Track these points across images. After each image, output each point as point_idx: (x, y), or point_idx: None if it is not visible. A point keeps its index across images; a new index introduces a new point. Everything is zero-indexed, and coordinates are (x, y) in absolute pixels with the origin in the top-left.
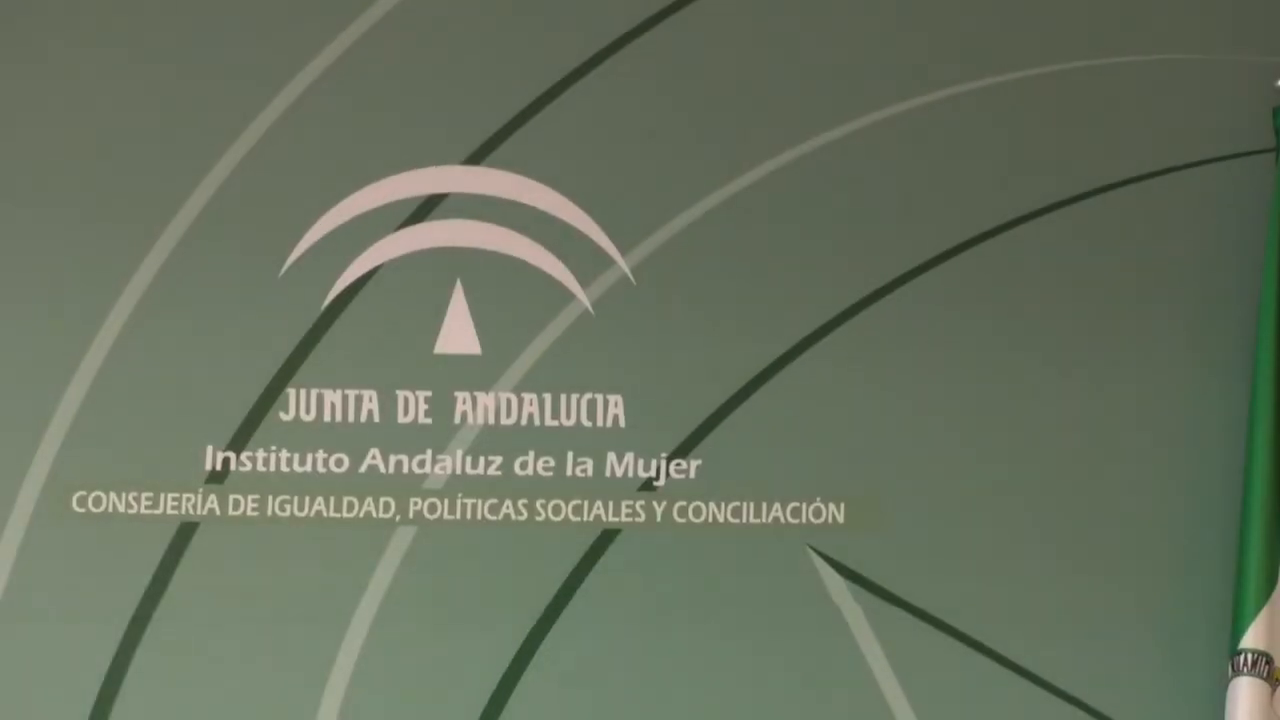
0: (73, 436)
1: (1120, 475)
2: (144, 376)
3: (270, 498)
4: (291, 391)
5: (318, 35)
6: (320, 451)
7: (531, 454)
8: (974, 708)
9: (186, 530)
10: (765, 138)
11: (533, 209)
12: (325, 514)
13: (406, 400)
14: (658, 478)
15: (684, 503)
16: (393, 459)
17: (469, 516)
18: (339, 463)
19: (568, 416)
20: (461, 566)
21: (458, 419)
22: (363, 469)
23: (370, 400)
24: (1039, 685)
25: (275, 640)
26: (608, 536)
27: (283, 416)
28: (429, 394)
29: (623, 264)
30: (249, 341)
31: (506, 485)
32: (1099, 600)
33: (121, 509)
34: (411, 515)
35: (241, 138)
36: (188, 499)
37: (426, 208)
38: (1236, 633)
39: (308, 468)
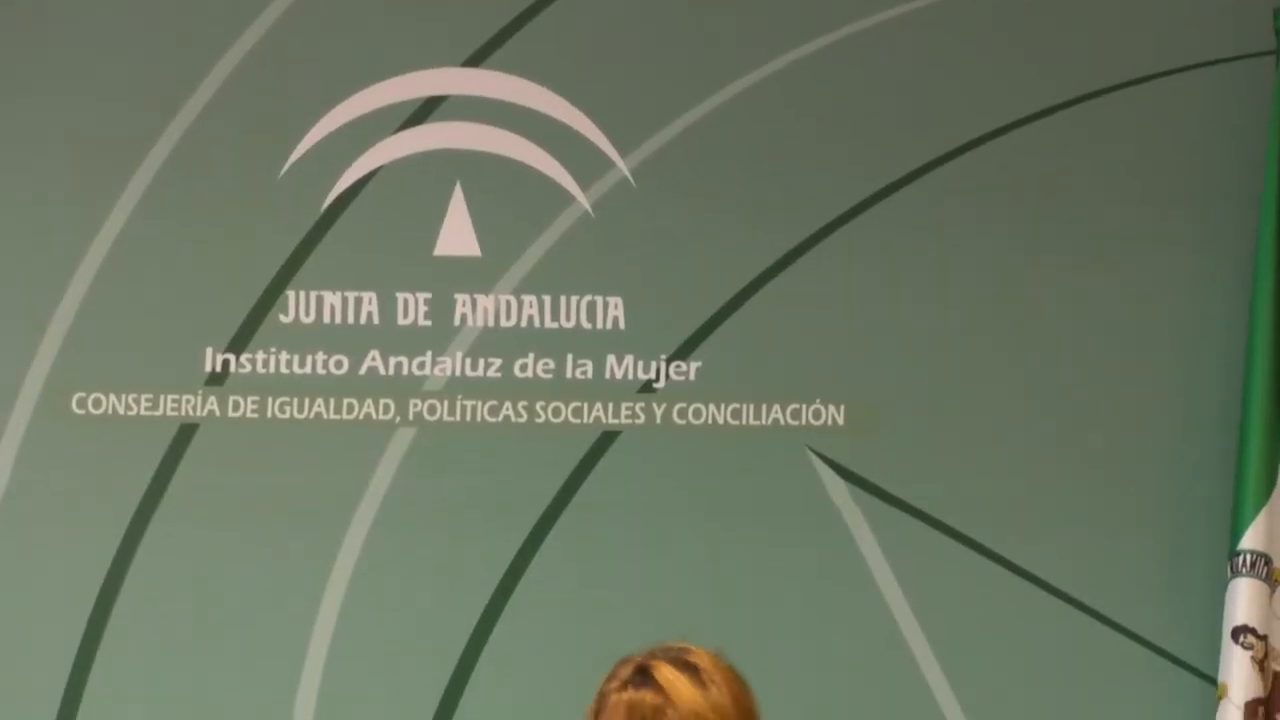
0: (72, 338)
1: (1120, 377)
2: (143, 278)
3: (270, 399)
4: (291, 293)
5: None
6: (320, 353)
7: (531, 356)
8: (972, 608)
9: (186, 432)
10: (764, 41)
11: (532, 111)
12: (325, 416)
13: (406, 302)
14: (657, 379)
15: (684, 404)
16: (392, 361)
17: (469, 418)
18: (338, 364)
19: (567, 318)
20: (461, 468)
21: (457, 321)
22: (362, 371)
23: (370, 302)
24: (1038, 585)
25: (275, 541)
26: (607, 438)
27: (282, 318)
28: (428, 296)
29: (622, 166)
30: (248, 243)
31: (506, 387)
32: (1099, 502)
33: (121, 410)
34: (411, 417)
35: (240, 40)
36: (187, 400)
37: (426, 110)
38: (1235, 534)
39: (307, 369)
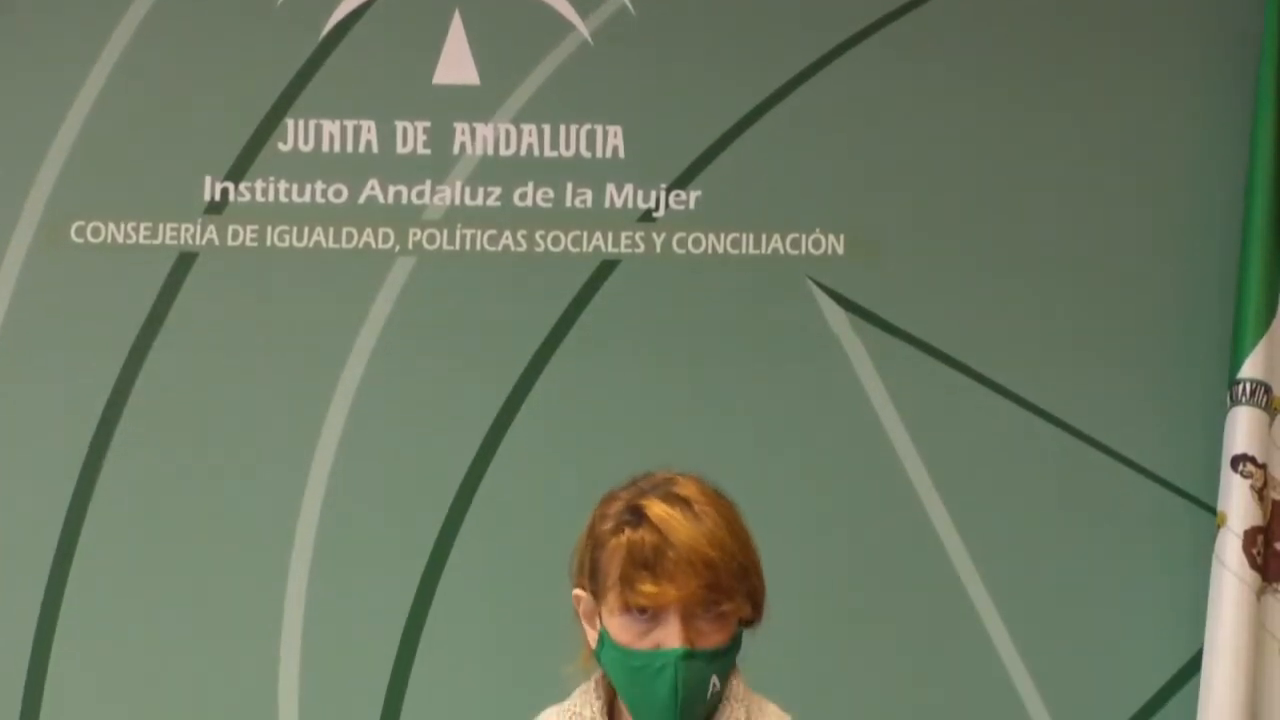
0: (71, 166)
1: (1121, 205)
2: (142, 106)
3: (269, 228)
4: (290, 122)
5: None
6: (319, 182)
7: (530, 185)
8: (971, 436)
9: (185, 260)
10: None
11: None
12: (324, 244)
13: (405, 130)
14: (657, 208)
15: (683, 233)
16: (391, 189)
17: (468, 247)
18: (337, 193)
19: (567, 147)
20: (460, 297)
21: (456, 149)
22: (361, 199)
23: (369, 131)
24: (1037, 414)
25: (275, 370)
26: (607, 267)
27: (281, 147)
28: (427, 124)
29: None
30: (247, 71)
31: (505, 216)
32: (1098, 330)
33: (120, 239)
34: (410, 246)
35: None
36: (186, 229)
37: None
38: (1235, 362)
39: (306, 198)
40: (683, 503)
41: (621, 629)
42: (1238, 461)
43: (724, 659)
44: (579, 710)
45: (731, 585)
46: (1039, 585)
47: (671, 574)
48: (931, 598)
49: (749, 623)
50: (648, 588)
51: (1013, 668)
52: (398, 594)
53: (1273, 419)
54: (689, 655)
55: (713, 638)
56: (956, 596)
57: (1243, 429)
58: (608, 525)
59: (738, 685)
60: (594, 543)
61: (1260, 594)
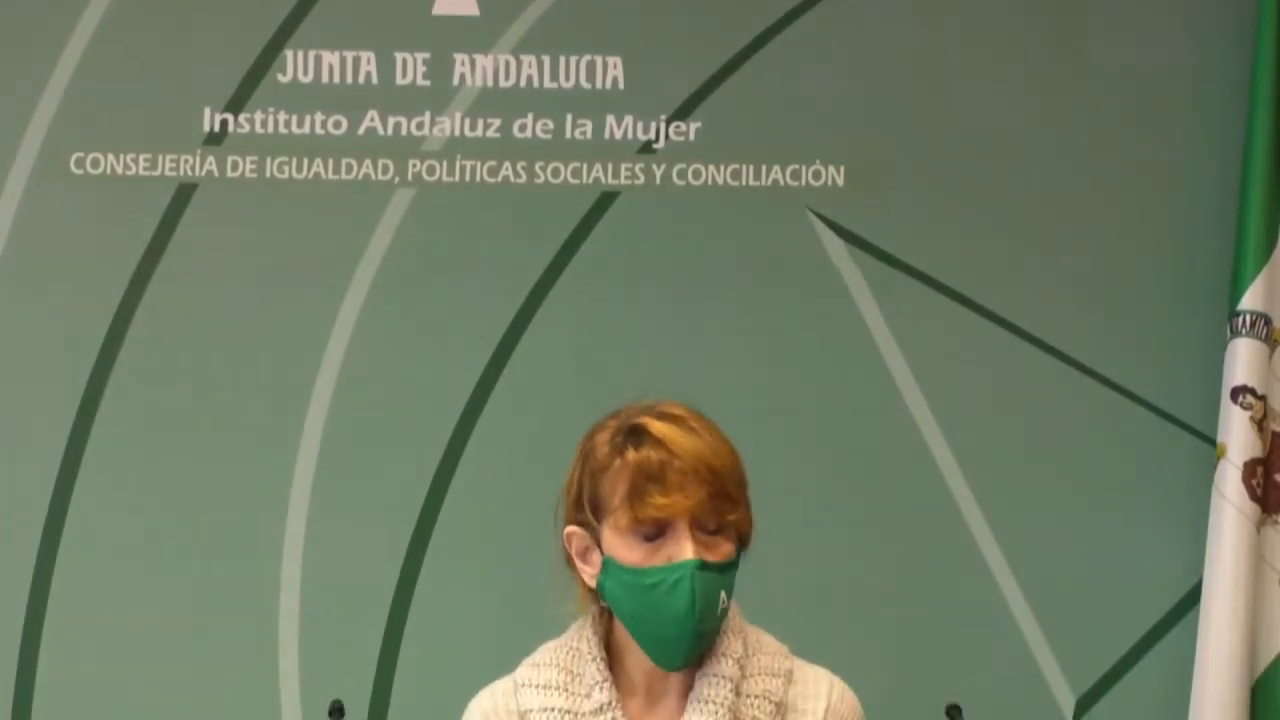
0: (70, 98)
1: (1121, 137)
2: (141, 38)
3: (268, 159)
4: (289, 53)
5: None
6: (318, 113)
7: (530, 116)
8: (972, 369)
9: (185, 192)
10: None
11: None
12: (324, 176)
13: (404, 62)
14: (657, 140)
15: (683, 165)
16: (391, 121)
17: (468, 179)
18: (337, 125)
19: (567, 78)
20: (460, 229)
21: (456, 80)
22: (361, 131)
23: (368, 62)
24: (1037, 346)
25: (274, 301)
26: (606, 199)
27: (280, 78)
28: (427, 55)
29: None
30: (246, 2)
31: (505, 147)
32: (1098, 262)
33: (120, 170)
34: (410, 177)
35: None
36: (186, 160)
37: None
38: (1235, 294)
39: (306, 129)
40: (677, 420)
41: (630, 549)
42: (1237, 393)
43: (731, 574)
44: (575, 645)
45: (735, 495)
46: (1038, 517)
47: (680, 485)
48: (930, 529)
49: (743, 546)
50: (659, 499)
51: (1012, 599)
52: (397, 528)
53: (1273, 351)
54: (703, 566)
55: (720, 550)
56: (955, 528)
57: (1243, 361)
58: (605, 450)
59: (735, 617)
60: (591, 471)
61: (1260, 525)
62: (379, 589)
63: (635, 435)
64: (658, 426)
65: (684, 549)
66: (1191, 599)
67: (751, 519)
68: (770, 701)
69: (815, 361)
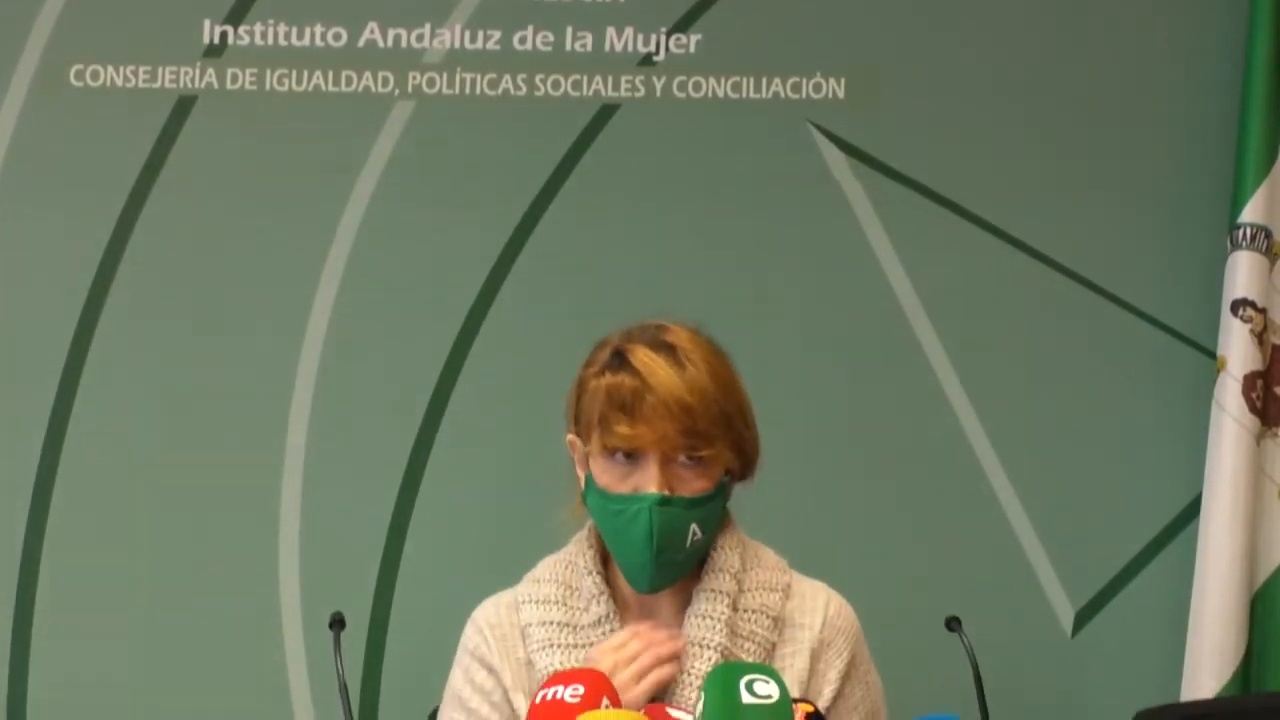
0: (69, 10)
1: (1122, 48)
2: None
3: (268, 71)
4: None
5: None
6: (318, 25)
7: (530, 28)
8: (972, 281)
9: (185, 104)
10: None
11: None
12: (323, 88)
13: None
14: (657, 52)
15: (683, 78)
16: (391, 32)
17: (467, 91)
18: (336, 36)
19: None
20: (460, 142)
21: None
22: (360, 43)
23: None
24: (1037, 258)
25: (274, 215)
26: (606, 111)
27: None
28: None
29: None
30: None
31: (505, 60)
32: (1099, 175)
33: (119, 83)
34: (410, 89)
35: None
36: (185, 72)
37: None
38: (1236, 206)
39: (305, 41)
40: (668, 349)
41: (604, 471)
42: (1237, 306)
43: (705, 507)
44: (572, 559)
45: (710, 431)
46: (1038, 430)
47: (648, 417)
48: (931, 443)
49: (741, 475)
50: (623, 429)
51: (1012, 513)
52: (397, 439)
53: (1273, 263)
54: (664, 501)
55: (693, 485)
56: (956, 442)
57: (1243, 273)
58: (592, 369)
59: (732, 533)
60: (580, 387)
61: (1259, 438)
62: (379, 500)
63: (618, 359)
64: (641, 355)
65: (649, 481)
66: (1191, 512)
67: (746, 452)
68: (767, 616)
69: (815, 275)
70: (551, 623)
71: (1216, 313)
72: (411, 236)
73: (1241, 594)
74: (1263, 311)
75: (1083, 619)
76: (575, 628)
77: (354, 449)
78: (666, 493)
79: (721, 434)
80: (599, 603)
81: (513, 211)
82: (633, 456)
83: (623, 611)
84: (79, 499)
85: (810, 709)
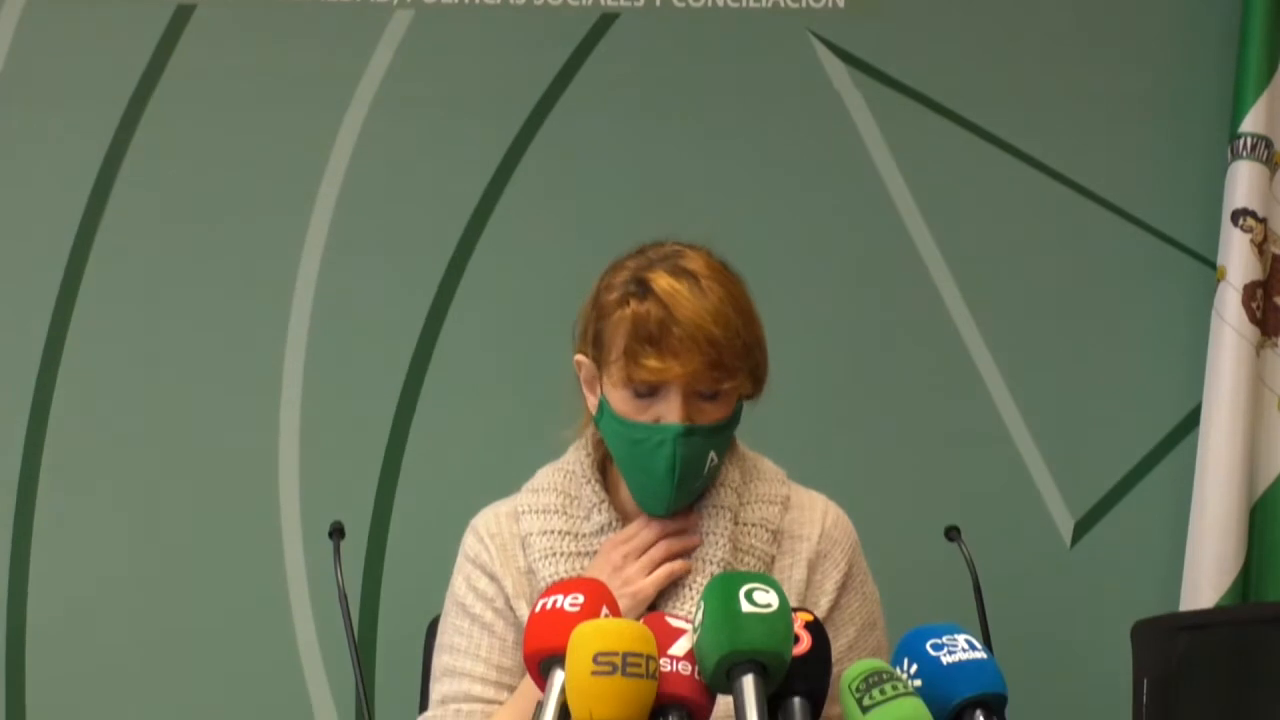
0: None
1: None
2: None
3: None
4: None
5: None
6: None
7: None
8: (973, 192)
9: (183, 12)
10: None
11: None
12: None
13: None
14: None
15: None
16: None
17: (466, 0)
18: None
19: None
20: (459, 51)
21: None
22: None
23: None
24: (1037, 168)
25: (273, 124)
26: (606, 20)
27: None
28: None
29: None
30: None
31: None
32: (1099, 84)
33: None
34: None
35: None
36: None
37: None
38: (1236, 116)
39: None
40: (690, 276)
41: (623, 401)
42: (1238, 216)
43: (722, 434)
44: (570, 468)
45: (735, 364)
46: (1038, 340)
47: (676, 350)
48: (932, 354)
49: (749, 396)
50: (652, 363)
51: (1011, 423)
52: (397, 347)
53: (1273, 173)
54: (688, 432)
55: (713, 414)
56: (957, 352)
57: (1243, 183)
58: (613, 295)
59: (734, 447)
60: (599, 312)
61: (1259, 348)
62: (379, 409)
63: (640, 287)
64: (664, 282)
65: (672, 412)
66: (1190, 422)
67: (760, 377)
68: (767, 530)
69: (815, 184)
70: (553, 531)
71: (1217, 223)
72: (411, 145)
73: (1240, 504)
74: (1263, 221)
75: (1082, 529)
76: (577, 536)
77: (353, 360)
78: (689, 424)
79: (743, 365)
80: (600, 511)
81: (512, 120)
82: (653, 390)
83: (624, 520)
84: (77, 405)
85: (809, 618)
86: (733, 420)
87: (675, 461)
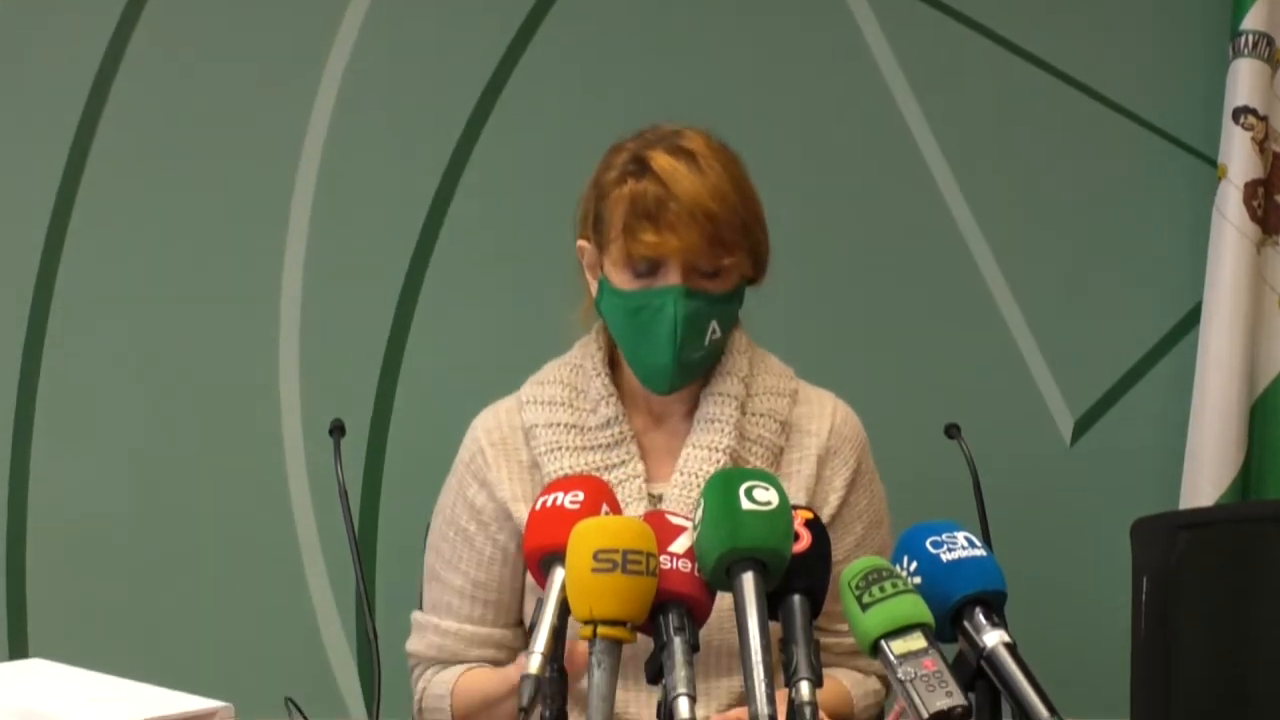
0: None
1: None
2: None
3: None
4: None
5: None
6: None
7: None
8: (973, 88)
9: None
10: None
11: None
12: None
13: None
14: None
15: None
16: None
17: None
18: None
19: None
20: None
21: None
22: None
23: None
24: (1040, 67)
25: (270, 18)
26: None
27: None
28: None
29: None
30: None
31: None
32: None
33: None
34: None
35: None
36: None
37: None
38: (1238, 13)
39: None
40: (688, 155)
41: (624, 281)
42: (1239, 114)
43: (724, 306)
44: (579, 362)
45: (733, 240)
46: (1039, 238)
47: (673, 225)
48: (933, 251)
49: (752, 280)
50: (649, 237)
51: (1012, 321)
52: (397, 246)
53: (1275, 71)
54: (689, 293)
55: (713, 288)
56: (957, 251)
57: (1244, 81)
58: (612, 175)
59: (740, 338)
60: (598, 193)
61: (1260, 246)
62: (379, 307)
63: (639, 166)
64: (662, 161)
65: (672, 278)
66: (1191, 320)
67: (761, 257)
68: (775, 420)
69: (816, 82)
70: (558, 424)
71: (1218, 120)
72: (416, 32)
73: (1241, 402)
74: (1264, 119)
75: (1082, 427)
76: (583, 429)
77: (354, 255)
78: (690, 285)
79: (742, 241)
80: (607, 404)
81: (513, 14)
82: (653, 267)
83: (631, 414)
84: (78, 301)
85: (809, 515)
86: (735, 295)
87: (676, 321)
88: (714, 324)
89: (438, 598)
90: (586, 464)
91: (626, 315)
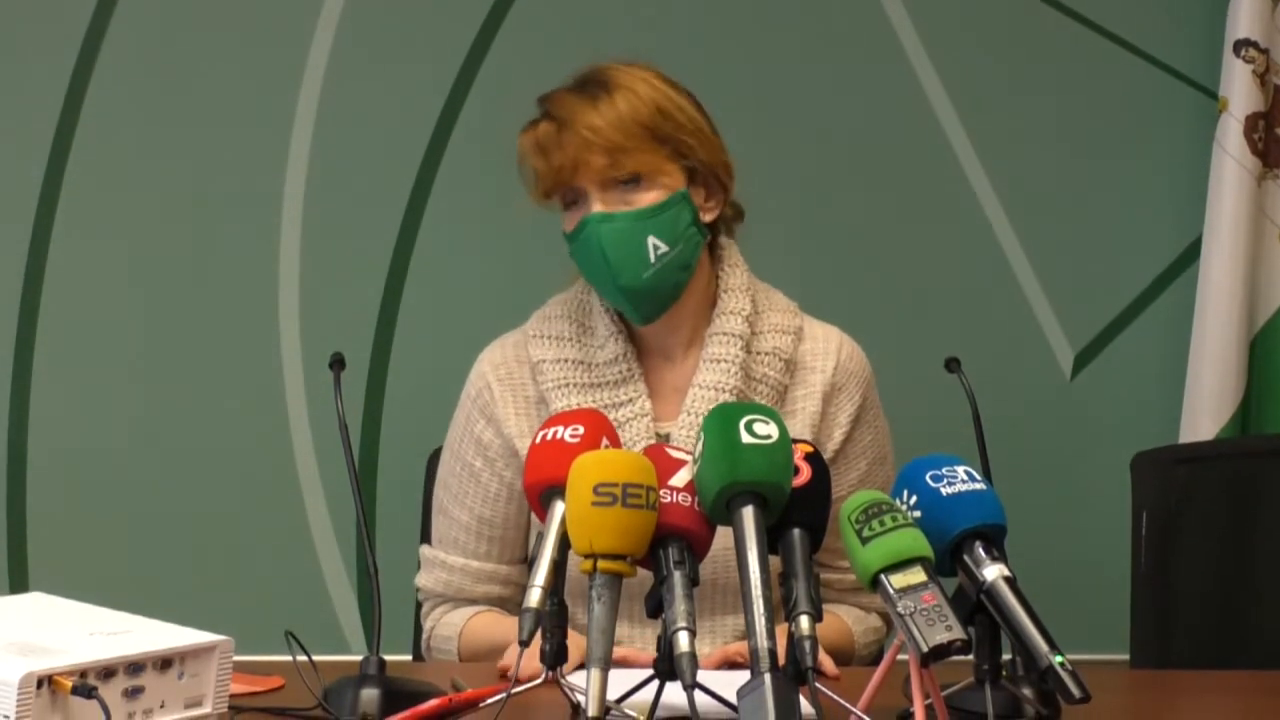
0: None
1: None
2: None
3: None
4: None
5: None
6: None
7: None
8: (972, 21)
9: None
10: None
11: None
12: None
13: None
14: None
15: None
16: None
17: None
18: None
19: None
20: None
21: None
22: None
23: None
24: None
25: None
26: None
27: None
28: None
29: None
30: None
31: None
32: None
33: None
34: None
35: None
36: None
37: None
38: None
39: None
40: (595, 85)
41: (566, 220)
42: (1240, 46)
43: (658, 218)
44: (584, 297)
45: (630, 145)
46: (1039, 172)
47: (564, 147)
48: (932, 186)
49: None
50: (542, 167)
51: (1012, 254)
52: (396, 181)
53: (1276, 4)
54: (606, 217)
55: (639, 200)
56: (957, 184)
57: (1245, 13)
58: (523, 131)
59: (741, 274)
60: (519, 155)
61: (1260, 179)
62: (379, 241)
63: (540, 110)
64: (558, 98)
65: (588, 207)
66: (1191, 254)
67: (704, 160)
68: (780, 359)
69: (818, 27)
70: (565, 360)
71: (1219, 53)
72: None
73: (1240, 337)
74: (1265, 52)
75: (1082, 361)
76: (590, 366)
77: (353, 189)
78: (604, 211)
79: (649, 145)
80: (615, 341)
81: None
82: (574, 197)
83: (639, 353)
84: (78, 228)
85: (809, 449)
86: (669, 204)
87: (602, 247)
88: (651, 239)
89: (445, 532)
90: (594, 401)
91: (574, 255)
